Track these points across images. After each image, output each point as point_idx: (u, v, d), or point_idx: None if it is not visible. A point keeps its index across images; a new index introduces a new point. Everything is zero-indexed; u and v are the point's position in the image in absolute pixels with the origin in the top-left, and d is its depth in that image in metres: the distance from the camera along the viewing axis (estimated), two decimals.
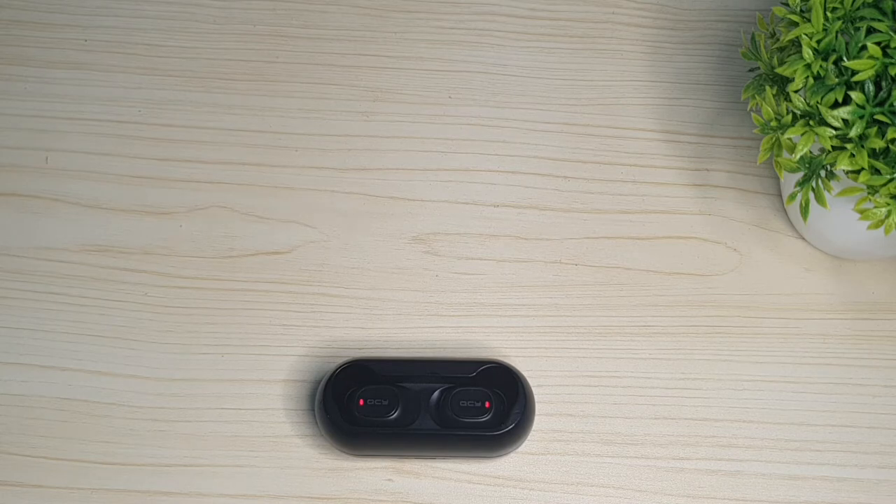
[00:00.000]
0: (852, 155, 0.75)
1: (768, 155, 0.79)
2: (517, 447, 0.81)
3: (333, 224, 0.88)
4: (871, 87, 0.75)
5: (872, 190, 0.75)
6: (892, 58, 0.75)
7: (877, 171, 0.75)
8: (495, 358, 0.82)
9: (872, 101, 0.75)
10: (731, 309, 0.86)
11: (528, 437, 0.82)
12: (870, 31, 0.76)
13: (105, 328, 0.84)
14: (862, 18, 0.76)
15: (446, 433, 0.79)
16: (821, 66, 0.76)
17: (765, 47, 0.82)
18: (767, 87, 0.80)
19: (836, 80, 0.76)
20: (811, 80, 0.76)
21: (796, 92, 0.77)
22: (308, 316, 0.85)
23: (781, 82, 0.81)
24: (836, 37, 0.76)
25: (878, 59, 0.75)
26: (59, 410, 0.82)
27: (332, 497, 0.81)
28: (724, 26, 0.94)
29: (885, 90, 0.75)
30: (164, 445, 0.81)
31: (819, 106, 0.75)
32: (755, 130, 0.80)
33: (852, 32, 0.76)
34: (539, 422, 0.82)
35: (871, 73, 0.75)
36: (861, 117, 0.75)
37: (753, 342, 0.85)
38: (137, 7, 0.94)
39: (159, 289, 0.85)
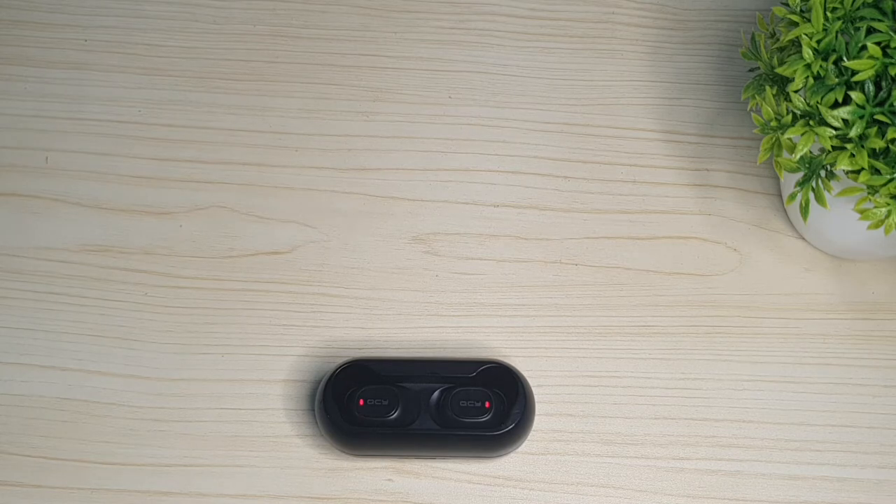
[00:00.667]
0: (852, 155, 0.75)
1: (768, 155, 0.79)
2: (517, 447, 0.81)
3: (333, 224, 0.88)
4: (871, 87, 0.75)
5: (872, 190, 0.75)
6: (892, 58, 0.75)
7: (877, 171, 0.75)
8: (495, 358, 0.82)
9: (872, 101, 0.75)
10: (731, 309, 0.86)
11: (528, 437, 0.81)
12: (870, 31, 0.76)
13: (105, 328, 0.84)
14: (862, 18, 0.76)
15: (446, 433, 0.79)
16: (821, 66, 0.76)
17: (765, 47, 0.82)
18: (767, 87, 0.80)
19: (836, 80, 0.76)
20: (811, 80, 0.76)
21: (796, 92, 0.77)
22: (308, 316, 0.85)
23: (781, 82, 0.81)
24: (836, 37, 0.76)
25: (878, 59, 0.75)
26: (59, 410, 0.82)
27: (332, 497, 0.81)
28: (724, 26, 0.94)
29: (885, 90, 0.75)
30: (164, 445, 0.81)
31: (819, 106, 0.75)
32: (755, 130, 0.80)
33: (852, 32, 0.76)
34: (539, 422, 0.82)
35: (871, 73, 0.75)
36: (861, 117, 0.75)
37: (753, 342, 0.85)
38: (137, 7, 0.94)
39: (159, 289, 0.85)
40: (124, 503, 0.80)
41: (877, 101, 0.75)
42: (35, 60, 0.92)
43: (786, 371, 0.84)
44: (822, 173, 0.78)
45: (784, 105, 0.78)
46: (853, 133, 0.75)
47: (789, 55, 0.79)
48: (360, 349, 0.84)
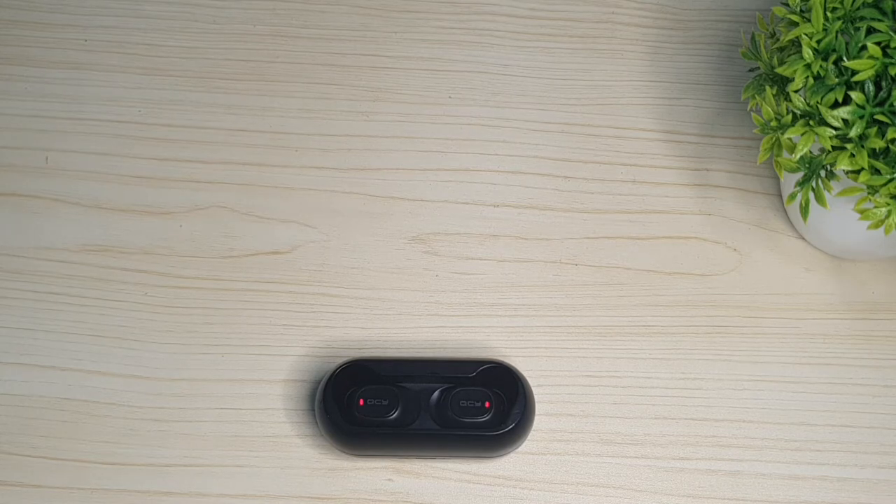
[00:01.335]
0: (852, 155, 0.75)
1: (768, 155, 0.79)
2: (517, 447, 0.81)
3: (333, 224, 0.88)
4: (871, 87, 0.75)
5: (872, 190, 0.75)
6: (892, 58, 0.75)
7: (877, 171, 0.75)
8: (495, 358, 0.82)
9: (872, 101, 0.75)
10: (731, 309, 0.86)
11: (528, 437, 0.81)
12: (870, 31, 0.76)
13: (105, 328, 0.84)
14: (862, 18, 0.76)
15: (446, 433, 0.79)
16: (821, 66, 0.76)
17: (765, 47, 0.82)
18: (767, 87, 0.80)
19: (836, 80, 0.76)
20: (811, 80, 0.76)
21: (796, 92, 0.77)
22: (308, 316, 0.85)
23: (781, 82, 0.81)
24: (836, 37, 0.76)
25: (878, 59, 0.75)
26: (59, 410, 0.82)
27: (332, 497, 0.81)
28: (724, 26, 0.94)
29: (885, 90, 0.75)
30: (164, 445, 0.81)
31: (819, 106, 0.75)
32: (755, 130, 0.80)
33: (852, 32, 0.76)
34: (539, 422, 0.82)
35: (871, 73, 0.75)
36: (861, 117, 0.75)
37: (753, 342, 0.85)
38: (137, 7, 0.94)
39: (159, 289, 0.85)
40: (124, 503, 0.80)
41: (877, 101, 0.75)
42: (35, 60, 0.92)
43: (786, 371, 0.84)
44: (822, 173, 0.78)
45: (784, 105, 0.78)
46: (853, 133, 0.75)
47: (789, 55, 0.79)
48: (360, 349, 0.84)
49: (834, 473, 0.82)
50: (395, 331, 0.85)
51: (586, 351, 0.84)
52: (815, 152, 0.78)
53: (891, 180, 0.74)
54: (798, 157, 0.77)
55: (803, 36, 0.76)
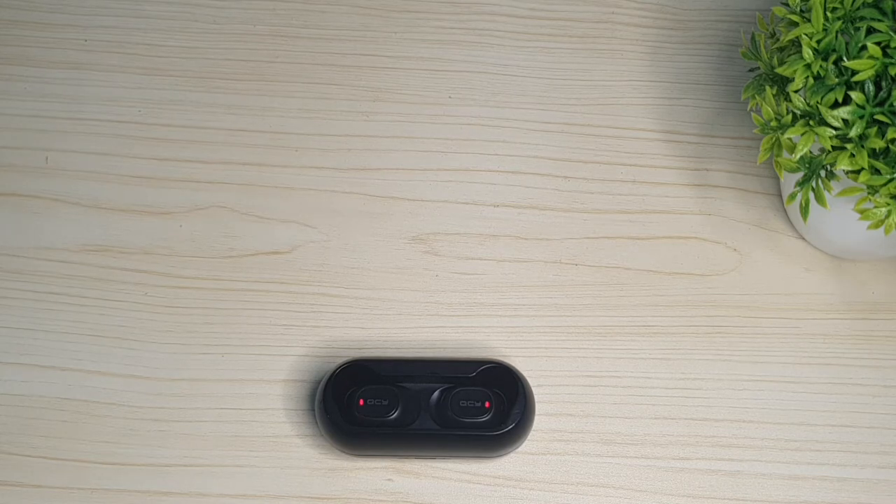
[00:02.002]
0: (852, 155, 0.75)
1: (768, 155, 0.79)
2: (517, 447, 0.81)
3: (333, 224, 0.88)
4: (871, 87, 0.75)
5: (872, 190, 0.75)
6: (892, 58, 0.75)
7: (877, 171, 0.75)
8: (495, 358, 0.82)
9: (872, 101, 0.75)
10: (731, 309, 0.86)
11: (528, 437, 0.81)
12: (870, 31, 0.76)
13: (105, 328, 0.84)
14: (862, 18, 0.76)
15: (446, 433, 0.79)
16: (821, 66, 0.76)
17: (765, 47, 0.82)
18: (767, 87, 0.80)
19: (836, 80, 0.76)
20: (811, 80, 0.76)
21: (796, 92, 0.77)
22: (308, 316, 0.85)
23: (781, 82, 0.81)
24: (836, 37, 0.76)
25: (878, 59, 0.75)
26: (59, 410, 0.82)
27: (332, 497, 0.81)
28: (724, 26, 0.94)
29: (885, 90, 0.75)
30: (164, 445, 0.81)
31: (819, 106, 0.75)
32: (755, 130, 0.80)
33: (852, 32, 0.76)
34: (539, 422, 0.82)
35: (871, 73, 0.75)
36: (861, 117, 0.75)
37: (753, 342, 0.85)
38: (137, 7, 0.94)
39: (159, 289, 0.85)
40: (124, 503, 0.80)
41: (877, 101, 0.75)
42: (35, 60, 0.92)
43: (786, 371, 0.84)
44: (822, 173, 0.78)
45: (784, 105, 0.78)
46: (853, 133, 0.75)
47: (789, 55, 0.79)
48: (360, 349, 0.84)
49: (834, 473, 0.82)
50: (395, 331, 0.85)
51: (586, 351, 0.84)
52: (815, 152, 0.78)
53: (891, 180, 0.74)
54: (798, 157, 0.77)
55: (803, 36, 0.76)
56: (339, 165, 0.89)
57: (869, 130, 0.75)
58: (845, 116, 0.75)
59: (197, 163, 0.89)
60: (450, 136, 0.90)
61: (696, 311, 0.86)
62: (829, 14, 0.77)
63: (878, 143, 0.74)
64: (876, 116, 0.75)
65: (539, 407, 0.82)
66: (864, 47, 0.75)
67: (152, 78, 0.91)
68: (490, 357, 0.83)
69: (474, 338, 0.85)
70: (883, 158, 0.75)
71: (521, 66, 0.93)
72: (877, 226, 0.75)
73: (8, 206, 0.88)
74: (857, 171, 0.75)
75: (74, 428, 0.82)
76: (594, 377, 0.84)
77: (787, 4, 0.81)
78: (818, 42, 0.76)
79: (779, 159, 0.79)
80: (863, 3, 0.77)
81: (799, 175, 0.79)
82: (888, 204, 0.75)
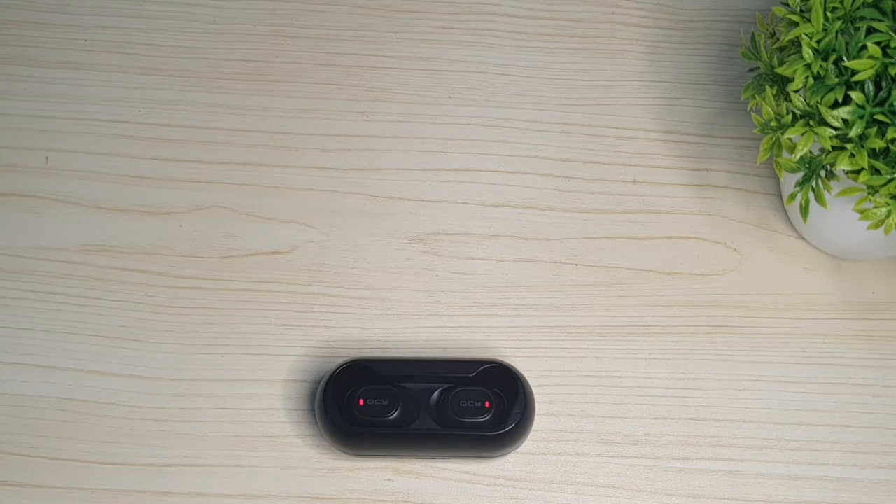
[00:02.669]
0: (852, 155, 0.75)
1: (768, 155, 0.79)
2: (517, 447, 0.81)
3: (333, 224, 0.88)
4: (871, 87, 0.75)
5: (872, 190, 0.75)
6: (892, 58, 0.75)
7: (877, 171, 0.75)
8: (495, 358, 0.82)
9: (872, 101, 0.75)
10: (731, 309, 0.86)
11: (528, 437, 0.81)
12: (870, 31, 0.76)
13: (105, 328, 0.84)
14: (862, 18, 0.76)
15: (446, 433, 0.79)
16: (821, 66, 0.76)
17: (765, 47, 0.82)
18: (767, 87, 0.80)
19: (836, 80, 0.76)
20: (811, 80, 0.76)
21: (796, 92, 0.77)
22: (308, 316, 0.85)
23: (781, 82, 0.81)
24: (836, 37, 0.76)
25: (878, 59, 0.75)
26: (59, 410, 0.82)
27: (332, 497, 0.81)
28: (724, 26, 0.94)
29: (885, 90, 0.75)
30: (164, 445, 0.81)
31: (819, 106, 0.75)
32: (755, 130, 0.80)
33: (852, 32, 0.76)
34: (539, 422, 0.82)
35: (871, 73, 0.75)
36: (861, 117, 0.75)
37: (753, 342, 0.85)
38: (137, 7, 0.94)
39: (159, 289, 0.85)
40: (124, 503, 0.80)
41: (877, 101, 0.75)
42: (35, 60, 0.92)
43: (786, 371, 0.84)
44: (822, 173, 0.78)
45: (784, 105, 0.78)
46: (853, 133, 0.75)
47: (789, 55, 0.79)
48: (360, 349, 0.84)
49: (834, 473, 0.82)
50: (395, 331, 0.85)
51: (586, 351, 0.84)
52: (815, 152, 0.78)
53: (891, 180, 0.74)
54: (798, 157, 0.77)
55: (803, 36, 0.76)
56: (339, 165, 0.89)
57: (869, 130, 0.75)
58: (845, 116, 0.75)
59: (197, 163, 0.89)
60: (450, 136, 0.90)
61: (696, 311, 0.86)
62: (829, 14, 0.77)
63: (878, 143, 0.74)
64: (876, 116, 0.75)
65: (539, 407, 0.82)
66: (864, 47, 0.75)
67: (152, 78, 0.91)
68: (490, 357, 0.83)
69: (474, 338, 0.85)
70: (883, 158, 0.75)
71: (521, 66, 0.93)
72: (877, 226, 0.75)
73: (8, 206, 0.88)
74: (857, 171, 0.75)
75: (74, 428, 0.82)
76: (594, 377, 0.84)
77: (787, 4, 0.81)
78: (818, 42, 0.76)
79: (779, 159, 0.79)
80: (863, 3, 0.77)
81: (799, 175, 0.79)
82: (888, 204, 0.75)
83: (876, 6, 0.77)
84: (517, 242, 0.87)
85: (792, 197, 0.79)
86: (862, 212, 0.75)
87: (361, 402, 0.79)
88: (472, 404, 0.79)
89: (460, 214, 0.88)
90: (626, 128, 0.91)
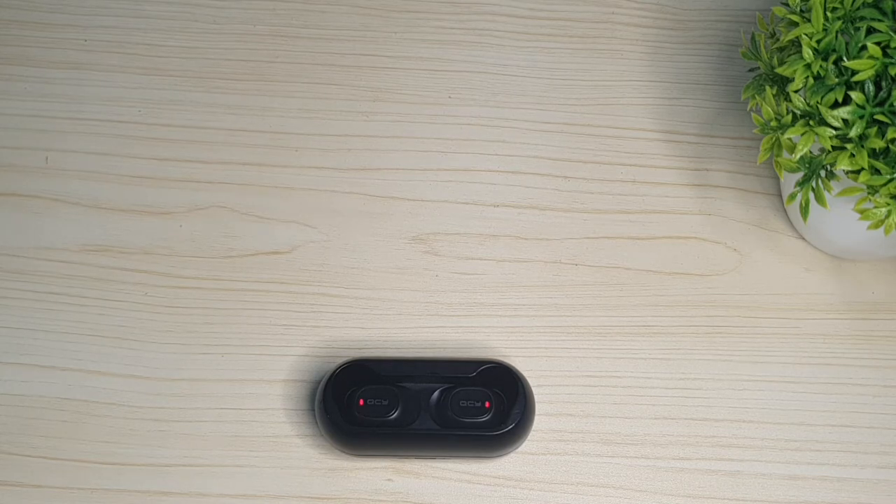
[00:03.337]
0: (852, 155, 0.75)
1: (768, 155, 0.79)
2: (517, 447, 0.81)
3: (333, 224, 0.88)
4: (871, 87, 0.75)
5: (872, 190, 0.75)
6: (892, 58, 0.75)
7: (877, 171, 0.75)
8: (495, 358, 0.82)
9: (872, 101, 0.75)
10: (731, 309, 0.86)
11: (528, 437, 0.82)
12: (870, 31, 0.76)
13: (105, 328, 0.84)
14: (862, 18, 0.76)
15: (446, 433, 0.79)
16: (821, 66, 0.76)
17: (765, 47, 0.82)
18: (767, 87, 0.80)
19: (836, 80, 0.76)
20: (811, 80, 0.76)
21: (796, 92, 0.77)
22: (308, 316, 0.85)
23: (781, 82, 0.81)
24: (836, 37, 0.76)
25: (878, 59, 0.75)
26: (59, 410, 0.82)
27: (332, 497, 0.81)
28: (724, 26, 0.94)
29: (885, 90, 0.75)
30: (164, 445, 0.81)
31: (819, 106, 0.75)
32: (755, 130, 0.80)
33: (852, 32, 0.76)
34: (539, 422, 0.82)
35: (871, 73, 0.75)
36: (861, 117, 0.75)
37: (753, 342, 0.85)
38: (137, 7, 0.94)
39: (159, 289, 0.85)
40: (124, 503, 0.80)
41: (877, 101, 0.75)
42: (35, 60, 0.92)
43: (786, 371, 0.84)
44: (822, 173, 0.78)
45: (784, 105, 0.78)
46: (853, 133, 0.75)
47: (789, 55, 0.79)
48: (360, 349, 0.84)
49: (834, 473, 0.82)
50: (395, 331, 0.85)
51: (586, 351, 0.85)
52: (815, 152, 0.78)
53: (891, 180, 0.74)
54: (798, 157, 0.77)
55: (803, 36, 0.76)
56: (339, 165, 0.89)
57: (869, 130, 0.75)
58: (845, 116, 0.75)
59: (197, 163, 0.89)
60: (450, 136, 0.90)
61: (696, 311, 0.86)
62: (829, 14, 0.77)
63: (878, 143, 0.74)
64: (876, 116, 0.75)
65: (539, 407, 0.82)
66: (864, 47, 0.75)
67: (152, 78, 0.91)
68: (490, 357, 0.83)
69: (474, 338, 0.85)
70: (883, 158, 0.75)
71: (521, 66, 0.93)
72: (877, 226, 0.75)
73: (8, 206, 0.88)
74: (857, 171, 0.75)
75: (74, 428, 0.82)
76: (594, 377, 0.84)
77: (787, 4, 0.81)
78: (818, 42, 0.76)
79: (779, 159, 0.79)
80: (863, 3, 0.77)
81: (799, 175, 0.79)
82: (888, 204, 0.75)
83: (876, 6, 0.77)
84: (517, 242, 0.87)
85: (792, 197, 0.79)
86: (862, 212, 0.75)
87: (361, 402, 0.79)
88: (472, 404, 0.79)
89: (460, 214, 0.88)
90: (626, 128, 0.91)
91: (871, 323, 0.86)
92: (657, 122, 0.91)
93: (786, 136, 0.77)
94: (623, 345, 0.85)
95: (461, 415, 0.79)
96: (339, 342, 0.84)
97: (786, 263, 0.87)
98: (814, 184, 0.78)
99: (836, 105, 0.76)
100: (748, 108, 0.90)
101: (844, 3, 0.77)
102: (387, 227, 0.88)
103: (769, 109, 0.79)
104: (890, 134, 0.74)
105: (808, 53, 0.76)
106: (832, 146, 0.76)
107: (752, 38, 0.84)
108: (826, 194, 0.78)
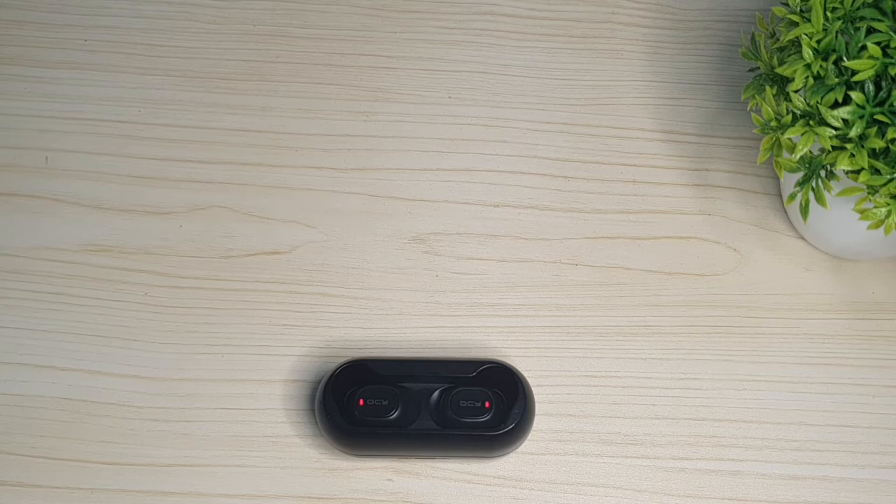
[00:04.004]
0: (852, 155, 0.75)
1: (768, 155, 0.79)
2: (517, 447, 0.81)
3: (333, 224, 0.88)
4: (871, 87, 0.75)
5: (872, 190, 0.75)
6: (892, 58, 0.75)
7: (877, 171, 0.75)
8: (495, 358, 0.82)
9: (872, 101, 0.75)
10: (731, 309, 0.86)
11: (528, 437, 0.81)
12: (870, 31, 0.76)
13: (105, 328, 0.84)
14: (862, 18, 0.76)
15: (446, 433, 0.79)
16: (821, 66, 0.76)
17: (765, 47, 0.82)
18: (767, 87, 0.80)
19: (836, 80, 0.76)
20: (811, 80, 0.76)
21: (796, 92, 0.77)
22: (308, 316, 0.85)
23: (781, 82, 0.81)
24: (836, 37, 0.76)
25: (878, 59, 0.75)
26: (59, 410, 0.82)
27: (332, 497, 0.81)
28: (724, 26, 0.94)
29: (885, 90, 0.75)
30: (164, 445, 0.81)
31: (819, 106, 0.75)
32: (755, 130, 0.80)
33: (852, 32, 0.76)
34: (539, 422, 0.82)
35: (871, 73, 0.75)
36: (861, 117, 0.75)
37: (753, 342, 0.85)
38: (137, 7, 0.94)
39: (159, 289, 0.85)
40: (124, 503, 0.80)
41: (877, 101, 0.75)
42: (35, 60, 0.92)
43: (786, 371, 0.84)
44: (822, 173, 0.78)
45: (784, 105, 0.78)
46: (853, 133, 0.75)
47: (789, 55, 0.79)
48: (360, 349, 0.84)
49: (834, 473, 0.82)
50: (395, 331, 0.85)
51: (586, 351, 0.85)
52: (815, 152, 0.78)
53: (891, 180, 0.74)
54: (798, 157, 0.77)
55: (803, 36, 0.76)
56: (339, 165, 0.89)
57: (869, 130, 0.75)
58: (845, 116, 0.75)
59: (197, 163, 0.89)
60: (450, 136, 0.90)
61: (696, 311, 0.86)
62: (829, 14, 0.77)
63: (878, 143, 0.74)
64: (876, 116, 0.75)
65: (539, 407, 0.82)
66: (864, 47, 0.75)
67: (152, 78, 0.91)
68: (490, 357, 0.83)
69: (474, 338, 0.85)
70: (883, 158, 0.75)
71: (521, 66, 0.93)
72: (877, 226, 0.75)
73: (8, 206, 0.88)
74: (857, 171, 0.75)
75: (74, 428, 0.82)
76: (594, 377, 0.84)
77: (787, 4, 0.81)
78: (818, 42, 0.76)
79: (779, 159, 0.79)
80: (863, 3, 0.77)
81: (799, 175, 0.79)
82: (888, 204, 0.75)
83: (876, 6, 0.77)
84: (517, 242, 0.87)
85: (792, 197, 0.79)
86: (862, 212, 0.75)
87: (361, 402, 0.79)
88: (472, 404, 0.79)
89: (460, 214, 0.88)
90: (626, 128, 0.91)
91: (871, 323, 0.86)
92: (657, 122, 0.91)
93: (786, 136, 0.77)
94: (623, 345, 0.85)
95: (461, 415, 0.79)
96: (339, 342, 0.84)
97: (786, 263, 0.87)
98: (814, 184, 0.78)
99: (836, 105, 0.76)
100: (748, 108, 0.90)
101: (844, 3, 0.77)
102: (387, 227, 0.88)
103: (769, 109, 0.79)
104: (890, 134, 0.74)
105: (808, 53, 0.76)
106: (832, 146, 0.76)
107: (752, 38, 0.84)
108: (826, 194, 0.78)
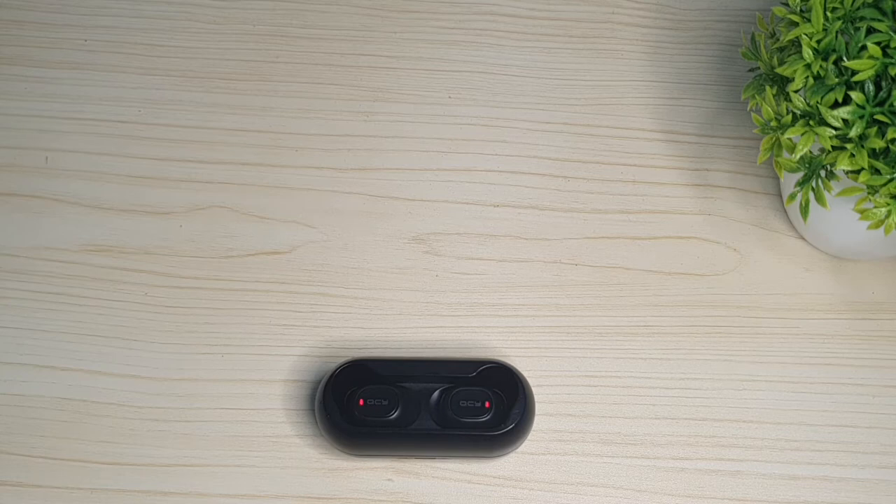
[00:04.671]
0: (852, 155, 0.75)
1: (768, 155, 0.79)
2: (517, 447, 0.81)
3: (333, 224, 0.88)
4: (871, 87, 0.75)
5: (872, 190, 0.75)
6: (892, 58, 0.75)
7: (877, 171, 0.75)
8: (495, 358, 0.82)
9: (872, 101, 0.75)
10: (731, 309, 0.86)
11: (528, 437, 0.81)
12: (870, 31, 0.76)
13: (105, 328, 0.84)
14: (862, 18, 0.76)
15: (446, 433, 0.79)
16: (821, 66, 0.76)
17: (765, 47, 0.82)
18: (767, 87, 0.80)
19: (836, 80, 0.76)
20: (811, 80, 0.76)
21: (796, 92, 0.77)
22: (308, 316, 0.85)
23: (781, 82, 0.81)
24: (836, 37, 0.76)
25: (878, 59, 0.75)
26: (59, 410, 0.82)
27: (332, 497, 0.81)
28: (724, 26, 0.94)
29: (885, 90, 0.75)
30: (164, 445, 0.81)
31: (819, 106, 0.75)
32: (755, 130, 0.80)
33: (852, 32, 0.76)
34: (539, 422, 0.82)
35: (871, 73, 0.75)
36: (861, 117, 0.75)
37: (753, 342, 0.85)
38: (137, 7, 0.94)
39: (159, 289, 0.85)
40: (124, 503, 0.80)
41: (877, 101, 0.75)
42: (35, 60, 0.92)
43: (786, 371, 0.84)
44: (822, 173, 0.78)
45: (784, 105, 0.78)
46: (853, 133, 0.75)
47: (789, 55, 0.79)
48: (360, 349, 0.84)
49: (834, 473, 0.82)
50: (395, 331, 0.85)
51: (586, 351, 0.85)
52: (815, 152, 0.78)
53: (891, 180, 0.74)
54: (798, 157, 0.77)
55: (803, 36, 0.76)
56: (339, 165, 0.89)
57: (869, 130, 0.75)
58: (845, 116, 0.75)
59: (197, 163, 0.89)
60: (450, 136, 0.90)
61: (696, 311, 0.86)
62: (829, 14, 0.77)
63: (878, 143, 0.74)
64: (876, 116, 0.75)
65: (539, 407, 0.82)
66: (864, 47, 0.75)
67: (152, 78, 0.91)
68: (490, 357, 0.83)
69: (474, 338, 0.85)
70: (883, 158, 0.75)
71: (521, 66, 0.93)
72: (877, 226, 0.75)
73: (8, 206, 0.88)
74: (857, 171, 0.75)
75: (74, 428, 0.82)
76: (594, 377, 0.84)
77: (787, 4, 0.81)
78: (818, 42, 0.76)
79: (779, 159, 0.79)
80: (863, 3, 0.77)
81: (799, 175, 0.79)
82: (888, 204, 0.75)
83: (876, 6, 0.77)
84: (517, 242, 0.88)
85: (792, 197, 0.79)
86: (862, 212, 0.75)
87: (361, 402, 0.79)
88: (472, 404, 0.79)
89: (460, 214, 0.88)
90: (626, 128, 0.91)
91: (871, 323, 0.86)
92: (657, 122, 0.91)
93: (786, 136, 0.77)
94: (623, 345, 0.85)
95: (461, 415, 0.79)
96: (339, 342, 0.84)
97: (786, 263, 0.87)
98: (814, 184, 0.78)
99: (836, 105, 0.76)
100: (748, 108, 0.90)
101: (844, 3, 0.77)
102: (387, 227, 0.88)
103: (769, 109, 0.79)
104: (890, 134, 0.74)
105: (808, 53, 0.76)
106: (832, 146, 0.76)
107: (752, 38, 0.84)
108: (826, 194, 0.78)
